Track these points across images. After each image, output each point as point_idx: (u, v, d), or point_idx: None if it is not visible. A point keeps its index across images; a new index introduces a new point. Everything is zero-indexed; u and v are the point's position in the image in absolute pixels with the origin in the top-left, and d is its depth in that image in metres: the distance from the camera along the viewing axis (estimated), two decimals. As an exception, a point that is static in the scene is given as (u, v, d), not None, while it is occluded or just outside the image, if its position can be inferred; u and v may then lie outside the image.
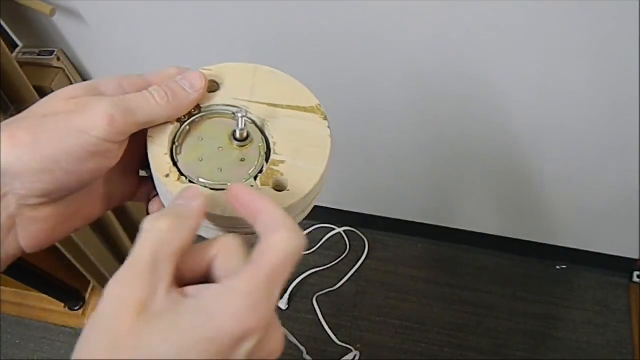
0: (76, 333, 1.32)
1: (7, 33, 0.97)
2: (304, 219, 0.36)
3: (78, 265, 1.15)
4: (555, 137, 0.94)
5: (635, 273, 1.31)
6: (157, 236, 0.25)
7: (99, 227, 1.18)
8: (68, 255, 1.10)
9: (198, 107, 0.33)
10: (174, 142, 0.32)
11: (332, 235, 1.41)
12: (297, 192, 0.32)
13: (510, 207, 1.22)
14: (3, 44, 0.79)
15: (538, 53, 0.77)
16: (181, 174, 0.32)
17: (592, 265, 1.34)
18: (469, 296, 1.34)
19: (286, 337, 0.49)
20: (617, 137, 0.90)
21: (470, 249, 1.39)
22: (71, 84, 1.02)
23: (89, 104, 0.28)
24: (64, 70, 0.99)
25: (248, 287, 0.24)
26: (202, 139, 0.33)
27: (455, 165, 1.10)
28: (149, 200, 0.35)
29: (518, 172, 1.07)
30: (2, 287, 1.31)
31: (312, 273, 1.36)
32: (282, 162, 0.32)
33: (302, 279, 1.34)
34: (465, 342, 1.29)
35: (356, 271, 1.37)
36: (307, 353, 0.93)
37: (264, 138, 0.33)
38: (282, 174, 0.32)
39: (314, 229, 1.41)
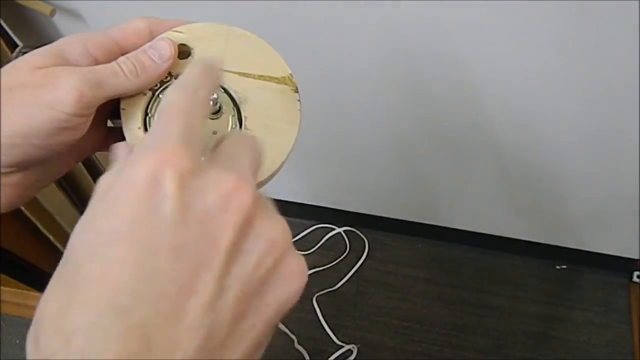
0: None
1: (7, 33, 0.97)
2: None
3: (78, 265, 1.15)
4: (555, 137, 0.94)
5: (635, 273, 1.31)
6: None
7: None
8: (68, 255, 1.10)
9: (170, 75, 0.33)
10: (146, 114, 0.32)
11: (332, 235, 1.41)
12: (266, 167, 0.32)
13: (510, 207, 1.22)
14: (3, 44, 0.79)
15: (538, 51, 0.78)
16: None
17: (592, 265, 1.34)
18: (469, 296, 1.34)
19: (279, 328, 0.50)
20: (617, 137, 0.90)
21: (470, 249, 1.38)
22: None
23: (58, 77, 0.27)
24: (64, 70, 0.99)
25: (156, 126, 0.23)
26: None
27: (455, 165, 1.10)
28: None
29: (518, 172, 1.07)
30: (2, 287, 1.30)
31: (312, 273, 1.35)
32: (253, 137, 0.32)
33: (302, 279, 1.34)
34: (465, 342, 1.29)
35: (356, 271, 1.37)
36: (298, 343, 0.93)
37: (235, 108, 0.33)
38: None
39: (314, 229, 1.41)
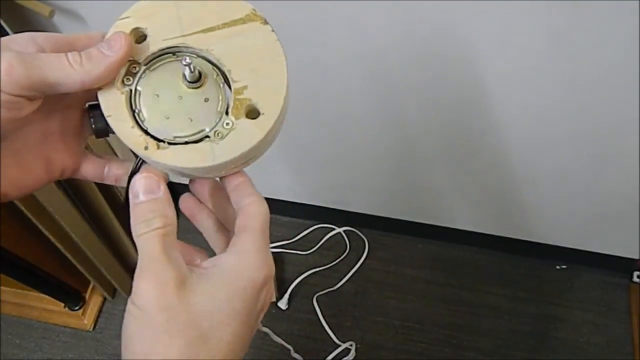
0: (76, 333, 1.33)
1: (7, 33, 0.97)
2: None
3: (78, 266, 1.15)
4: (555, 137, 0.94)
5: (635, 273, 1.31)
6: (158, 232, 0.30)
7: (99, 227, 1.18)
8: (68, 255, 1.10)
9: (136, 63, 0.32)
10: (133, 111, 0.31)
11: (332, 235, 1.41)
12: (272, 111, 0.31)
13: (510, 207, 1.22)
14: (3, 44, 0.79)
15: (537, 48, 0.78)
16: (156, 139, 0.31)
17: (592, 265, 1.34)
18: (469, 296, 1.34)
19: (271, 337, 0.50)
20: (618, 137, 0.90)
21: (470, 249, 1.38)
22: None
23: None
24: (64, 71, 0.99)
25: (254, 246, 0.31)
26: (157, 95, 0.32)
27: (455, 165, 1.10)
28: (112, 177, 0.36)
29: (518, 172, 1.07)
30: (2, 287, 1.31)
31: (312, 273, 1.36)
32: (245, 87, 0.31)
33: (302, 279, 1.35)
34: (465, 342, 1.29)
35: (356, 271, 1.37)
36: (295, 351, 0.93)
37: (215, 68, 0.32)
38: (250, 100, 0.31)
39: (314, 229, 1.41)
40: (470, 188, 1.18)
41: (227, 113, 0.32)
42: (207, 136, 0.31)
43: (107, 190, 1.14)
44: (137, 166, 0.32)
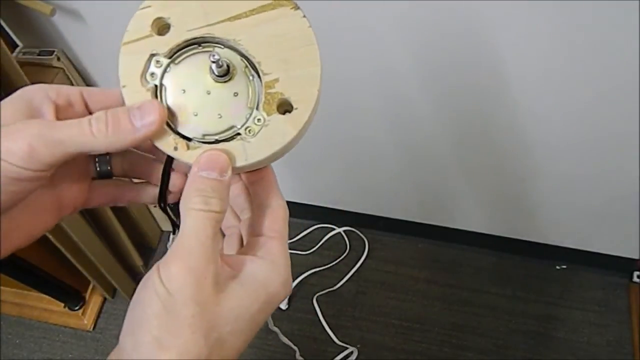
0: (76, 333, 1.33)
1: (7, 33, 0.97)
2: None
3: (78, 265, 1.15)
4: (555, 137, 0.94)
5: (635, 273, 1.31)
6: (213, 216, 0.28)
7: (99, 227, 1.18)
8: (68, 255, 1.10)
9: (160, 56, 0.30)
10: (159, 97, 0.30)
11: (332, 235, 1.41)
12: (305, 105, 0.29)
13: (510, 207, 1.22)
14: (3, 44, 0.79)
15: (540, 49, 0.77)
16: (185, 138, 0.29)
17: (592, 265, 1.34)
18: (469, 296, 1.34)
19: (278, 337, 0.50)
20: (617, 137, 0.90)
21: (470, 249, 1.38)
22: (71, 84, 1.02)
23: (17, 130, 0.27)
24: (64, 70, 0.99)
25: (285, 258, 0.31)
26: (184, 91, 0.30)
27: (455, 165, 1.10)
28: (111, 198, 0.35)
29: (518, 172, 1.07)
30: (2, 287, 1.31)
31: (312, 273, 1.35)
32: (276, 80, 0.29)
33: (302, 279, 1.34)
34: (465, 342, 1.29)
35: (356, 271, 1.37)
36: (300, 354, 0.93)
37: (244, 59, 0.30)
38: (282, 94, 0.29)
39: (314, 229, 1.41)
40: (471, 188, 1.17)
41: (257, 108, 0.30)
42: (238, 133, 0.30)
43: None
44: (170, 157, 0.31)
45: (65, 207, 0.33)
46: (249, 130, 0.29)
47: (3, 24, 0.95)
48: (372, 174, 1.20)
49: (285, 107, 0.30)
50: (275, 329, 0.44)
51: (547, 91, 0.84)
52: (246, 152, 0.29)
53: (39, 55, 0.97)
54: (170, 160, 0.31)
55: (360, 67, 0.89)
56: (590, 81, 0.80)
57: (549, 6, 0.69)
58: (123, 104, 0.30)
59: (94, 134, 0.27)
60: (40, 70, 0.96)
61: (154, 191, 0.34)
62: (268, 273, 0.30)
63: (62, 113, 0.30)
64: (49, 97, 0.29)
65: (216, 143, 0.30)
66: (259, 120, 0.29)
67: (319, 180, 1.29)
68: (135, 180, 0.35)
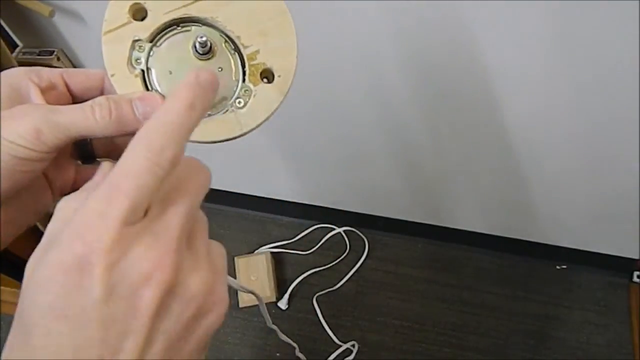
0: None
1: (7, 33, 0.97)
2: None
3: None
4: (555, 137, 0.94)
5: (635, 273, 1.31)
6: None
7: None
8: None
9: (141, 41, 0.30)
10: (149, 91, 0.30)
11: (332, 235, 1.41)
12: (287, 72, 0.31)
13: (510, 207, 1.22)
14: (3, 44, 0.79)
15: (538, 49, 0.77)
16: None
17: (592, 265, 1.34)
18: (469, 296, 1.34)
19: (278, 336, 0.50)
20: (617, 137, 0.90)
21: (470, 249, 1.38)
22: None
23: (21, 113, 0.27)
24: (64, 71, 0.99)
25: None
26: (171, 72, 0.31)
27: (455, 165, 1.10)
28: None
29: (518, 172, 1.07)
30: (2, 287, 1.30)
31: (312, 273, 1.36)
32: (257, 52, 0.31)
33: (302, 279, 1.34)
34: (465, 342, 1.29)
35: (356, 271, 1.37)
36: (300, 350, 0.93)
37: (223, 35, 0.31)
38: (264, 64, 0.31)
39: (314, 229, 1.41)
40: (471, 188, 1.17)
41: (243, 80, 0.31)
42: (230, 105, 0.31)
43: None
44: None
45: (54, 190, 0.33)
46: (239, 102, 0.31)
47: (3, 24, 0.95)
48: (372, 174, 1.20)
49: (269, 76, 0.32)
50: (274, 327, 0.44)
51: (547, 91, 0.84)
52: (240, 123, 0.31)
53: (39, 55, 0.97)
54: None
55: (360, 67, 0.89)
56: (590, 82, 0.80)
57: (549, 4, 0.69)
58: (114, 91, 0.30)
59: (97, 120, 0.28)
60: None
61: None
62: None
63: (46, 95, 0.30)
64: (33, 81, 0.30)
65: (209, 116, 0.31)
66: (246, 91, 0.31)
67: (319, 181, 1.29)
68: None
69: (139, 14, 0.30)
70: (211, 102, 0.26)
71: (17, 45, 1.00)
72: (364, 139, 1.08)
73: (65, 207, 0.25)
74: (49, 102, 0.30)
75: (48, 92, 0.31)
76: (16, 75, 0.30)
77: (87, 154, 0.33)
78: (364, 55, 0.86)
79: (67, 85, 0.32)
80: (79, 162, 0.34)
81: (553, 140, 0.95)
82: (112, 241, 0.22)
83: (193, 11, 0.30)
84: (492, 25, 0.75)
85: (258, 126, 0.32)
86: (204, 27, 0.31)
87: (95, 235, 0.22)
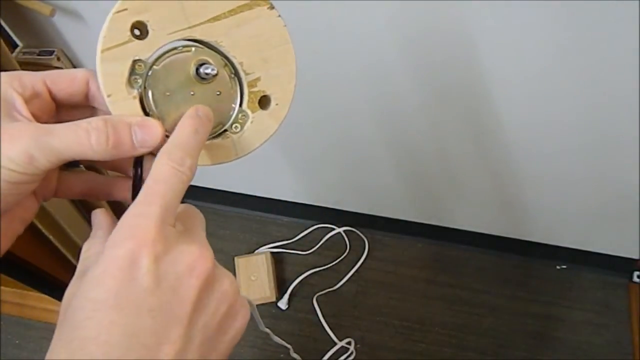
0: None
1: (7, 33, 0.97)
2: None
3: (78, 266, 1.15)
4: (555, 137, 0.94)
5: (635, 273, 1.31)
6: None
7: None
8: (68, 256, 1.10)
9: (141, 62, 0.29)
10: (147, 114, 0.29)
11: (332, 235, 1.41)
12: (284, 101, 0.32)
13: (511, 207, 1.22)
14: (3, 44, 0.79)
15: (536, 51, 0.77)
16: None
17: (592, 265, 1.34)
18: (469, 296, 1.34)
19: (270, 337, 0.49)
20: (617, 137, 0.90)
21: (470, 249, 1.38)
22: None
23: (12, 137, 0.26)
24: (64, 70, 0.99)
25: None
26: (168, 94, 0.30)
27: (455, 165, 1.10)
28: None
29: (518, 172, 1.07)
30: (2, 287, 1.30)
31: (312, 273, 1.35)
32: (258, 79, 0.31)
33: (302, 279, 1.34)
34: (465, 342, 1.29)
35: (356, 271, 1.37)
36: (299, 351, 0.93)
37: (224, 58, 0.31)
38: (264, 92, 0.31)
39: (314, 229, 1.41)
40: (471, 188, 1.18)
41: (241, 105, 0.31)
42: (225, 130, 0.31)
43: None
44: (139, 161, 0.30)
45: (38, 197, 0.32)
46: (236, 127, 0.32)
47: (3, 24, 0.95)
48: (372, 174, 1.20)
49: (266, 103, 0.32)
50: (267, 330, 0.44)
51: (547, 90, 0.84)
52: (236, 148, 0.31)
53: (38, 55, 0.97)
54: (140, 158, 0.30)
55: (359, 67, 0.89)
56: (590, 82, 0.80)
57: (554, 5, 0.69)
58: (100, 97, 0.29)
59: (92, 146, 0.27)
60: (40, 70, 0.96)
61: (127, 184, 0.33)
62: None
63: (29, 105, 0.29)
64: (17, 91, 0.29)
65: (208, 140, 0.31)
66: (244, 116, 0.32)
67: (319, 181, 1.29)
68: (112, 173, 0.34)
69: (141, 32, 0.29)
70: (210, 129, 0.30)
71: (17, 45, 1.00)
72: (364, 139, 1.08)
73: (87, 250, 0.29)
74: (32, 112, 0.29)
75: (31, 102, 0.29)
76: (2, 85, 0.28)
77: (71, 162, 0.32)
78: (365, 56, 0.86)
79: (50, 92, 0.30)
80: (61, 168, 0.33)
81: (553, 140, 0.95)
82: (155, 235, 0.25)
83: (197, 34, 0.29)
84: (493, 28, 0.75)
85: (252, 151, 0.32)
86: (205, 50, 0.30)
87: (141, 232, 0.25)
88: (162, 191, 0.26)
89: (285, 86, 0.31)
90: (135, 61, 0.28)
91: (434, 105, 0.94)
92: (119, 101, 0.29)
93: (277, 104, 0.32)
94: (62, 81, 0.30)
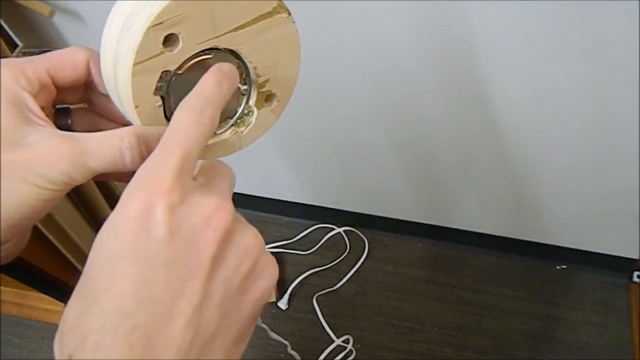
0: (76, 333, 1.32)
1: (7, 33, 0.97)
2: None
3: (78, 266, 1.15)
4: (554, 137, 0.94)
5: (635, 273, 1.31)
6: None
7: (99, 227, 1.18)
8: (68, 256, 1.10)
9: (168, 71, 0.29)
10: (168, 119, 0.30)
11: (332, 235, 1.41)
12: (285, 97, 0.34)
13: (510, 207, 1.22)
14: (3, 44, 0.79)
15: (536, 51, 0.78)
16: None
17: (592, 265, 1.34)
18: (469, 296, 1.34)
19: (268, 334, 0.49)
20: (617, 137, 0.90)
21: (470, 249, 1.38)
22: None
23: (45, 154, 0.26)
24: (64, 71, 0.99)
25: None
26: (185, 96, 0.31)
27: (455, 165, 1.10)
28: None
29: (518, 172, 1.07)
30: (2, 287, 1.30)
31: (312, 273, 1.36)
32: (267, 80, 0.33)
33: (302, 279, 1.34)
34: (465, 342, 1.29)
35: (356, 271, 1.37)
36: (298, 350, 0.93)
37: (239, 61, 0.31)
38: (270, 91, 0.33)
39: (314, 229, 1.41)
40: (471, 188, 1.18)
41: (248, 102, 0.33)
42: (232, 125, 0.33)
43: (107, 189, 1.14)
44: None
45: None
46: (242, 122, 0.33)
47: (3, 24, 0.95)
48: (372, 174, 1.20)
49: (270, 100, 0.33)
50: (264, 326, 0.44)
51: (547, 90, 0.84)
52: (240, 141, 0.33)
53: (38, 55, 0.97)
54: None
55: (360, 68, 0.89)
56: (590, 82, 0.80)
57: (559, 5, 0.69)
58: (101, 82, 0.30)
59: (127, 163, 0.27)
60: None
61: None
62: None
63: (36, 98, 0.29)
64: (25, 90, 0.28)
65: (214, 135, 0.33)
66: (250, 113, 0.33)
67: (319, 181, 1.29)
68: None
69: (172, 43, 0.28)
70: (233, 87, 0.29)
71: (17, 45, 1.00)
72: (364, 139, 1.08)
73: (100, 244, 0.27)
74: (39, 105, 0.28)
75: (38, 95, 0.29)
76: (11, 86, 0.28)
77: (64, 125, 0.32)
78: (365, 57, 0.86)
79: (53, 81, 0.30)
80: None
81: (553, 140, 0.95)
82: (171, 184, 0.24)
83: (222, 42, 0.30)
84: (496, 26, 0.75)
85: (251, 143, 0.34)
86: (224, 54, 0.30)
87: (156, 182, 0.24)
88: (180, 141, 0.25)
89: (287, 84, 0.33)
90: (164, 72, 0.29)
91: (433, 106, 0.94)
92: (146, 111, 0.29)
93: (279, 101, 0.33)
94: (64, 69, 0.31)
